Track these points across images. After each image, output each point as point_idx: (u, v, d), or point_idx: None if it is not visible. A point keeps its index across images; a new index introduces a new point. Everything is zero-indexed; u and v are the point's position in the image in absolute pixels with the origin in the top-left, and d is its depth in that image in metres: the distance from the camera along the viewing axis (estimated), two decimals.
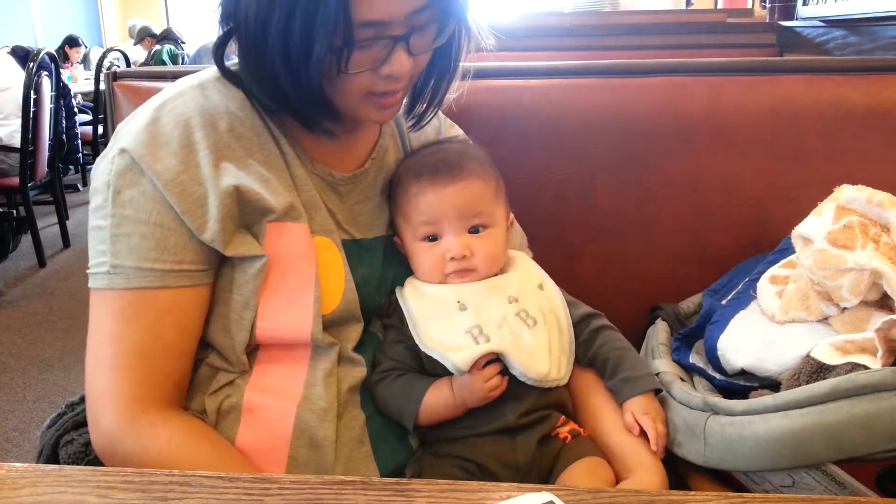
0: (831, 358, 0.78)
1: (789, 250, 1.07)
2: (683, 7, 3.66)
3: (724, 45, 2.80)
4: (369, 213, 0.92)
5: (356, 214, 0.90)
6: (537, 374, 0.84)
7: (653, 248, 1.17)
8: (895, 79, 1.14)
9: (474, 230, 0.89)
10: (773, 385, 0.89)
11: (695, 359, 1.01)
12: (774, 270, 0.99)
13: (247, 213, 0.79)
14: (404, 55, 0.77)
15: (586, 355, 0.92)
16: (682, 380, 0.95)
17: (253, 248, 0.79)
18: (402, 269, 0.93)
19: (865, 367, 0.75)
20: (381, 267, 0.91)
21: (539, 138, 1.14)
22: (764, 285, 0.99)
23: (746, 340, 0.93)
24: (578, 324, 0.92)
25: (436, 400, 0.84)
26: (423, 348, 0.85)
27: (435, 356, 0.84)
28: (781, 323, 0.93)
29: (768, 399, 0.77)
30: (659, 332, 1.06)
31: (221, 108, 0.82)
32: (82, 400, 0.96)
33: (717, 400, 0.82)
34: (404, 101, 0.88)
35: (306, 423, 0.80)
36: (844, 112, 1.12)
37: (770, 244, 1.10)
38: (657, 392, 0.90)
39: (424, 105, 0.92)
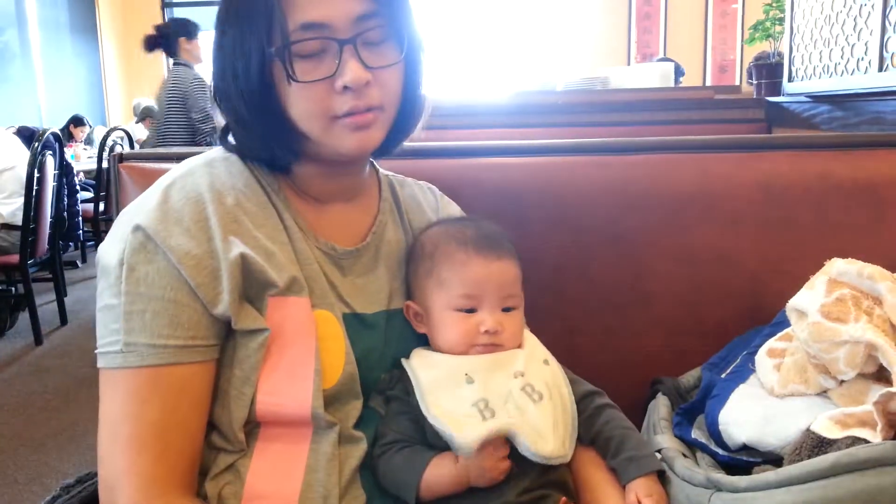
0: (831, 432, 0.78)
1: (785, 323, 1.08)
2: (672, 85, 3.77)
3: (713, 120, 2.89)
4: (371, 287, 0.93)
5: (357, 288, 0.91)
6: (544, 451, 0.83)
7: (651, 321, 1.18)
8: (879, 154, 1.18)
9: (507, 309, 0.91)
10: (775, 460, 0.88)
11: (697, 434, 1.01)
12: (772, 343, 1.00)
13: (250, 286, 0.80)
14: (356, 63, 0.78)
15: (589, 433, 0.92)
16: (685, 455, 0.94)
17: (257, 321, 0.79)
18: (403, 344, 0.94)
19: (866, 441, 0.75)
20: (382, 342, 0.91)
21: (537, 214, 1.17)
22: (762, 358, 0.99)
23: (747, 415, 0.93)
24: (581, 401, 0.93)
25: (438, 474, 0.83)
26: (430, 419, 0.84)
27: (441, 430, 0.83)
28: (781, 396, 0.93)
29: (771, 475, 0.76)
30: (660, 407, 1.06)
31: (228, 185, 0.85)
32: (78, 482, 0.95)
33: (720, 476, 0.81)
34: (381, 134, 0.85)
35: None
36: (832, 186, 1.15)
37: (766, 316, 1.11)
38: (660, 474, 0.89)
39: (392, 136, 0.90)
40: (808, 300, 0.88)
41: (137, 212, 0.81)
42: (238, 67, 0.80)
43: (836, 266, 0.89)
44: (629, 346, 1.18)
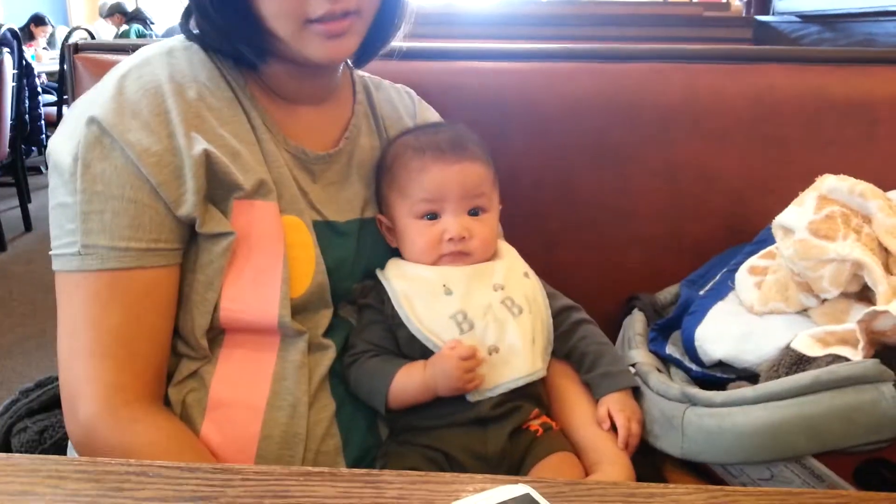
0: (812, 349, 0.77)
1: (768, 241, 1.06)
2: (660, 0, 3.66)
3: (700, 38, 2.81)
4: (344, 194, 0.89)
5: (330, 196, 0.87)
6: (519, 375, 0.82)
7: (630, 237, 1.15)
8: (874, 70, 1.14)
9: (474, 212, 0.88)
10: (750, 377, 0.87)
11: (671, 350, 1.00)
12: (753, 261, 0.98)
13: (215, 188, 0.75)
14: None
15: (564, 347, 0.90)
16: (659, 370, 0.93)
17: (222, 224, 0.75)
18: (377, 254, 0.90)
19: (846, 360, 0.74)
20: (354, 252, 0.87)
21: (518, 123, 1.12)
22: (743, 276, 0.97)
23: (724, 331, 0.92)
24: (558, 315, 0.91)
25: (407, 381, 0.81)
26: (409, 326, 0.82)
27: (420, 337, 0.82)
28: (760, 314, 0.91)
29: (748, 391, 0.75)
30: (636, 323, 1.04)
31: (189, 77, 0.79)
32: (37, 386, 0.92)
33: (696, 391, 0.80)
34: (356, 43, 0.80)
35: (275, 420, 0.77)
36: (825, 102, 1.11)
37: (748, 235, 1.09)
38: (634, 390, 0.88)
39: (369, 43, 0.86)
40: (796, 217, 0.86)
41: (91, 104, 0.75)
42: None
43: (827, 182, 0.86)
44: (607, 262, 1.16)
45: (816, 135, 1.12)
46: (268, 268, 0.76)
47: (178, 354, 0.79)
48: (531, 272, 0.93)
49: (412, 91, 1.03)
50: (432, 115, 1.02)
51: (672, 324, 1.02)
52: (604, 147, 1.12)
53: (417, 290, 0.85)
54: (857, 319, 0.74)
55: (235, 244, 0.75)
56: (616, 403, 0.85)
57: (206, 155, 0.73)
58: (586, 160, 1.13)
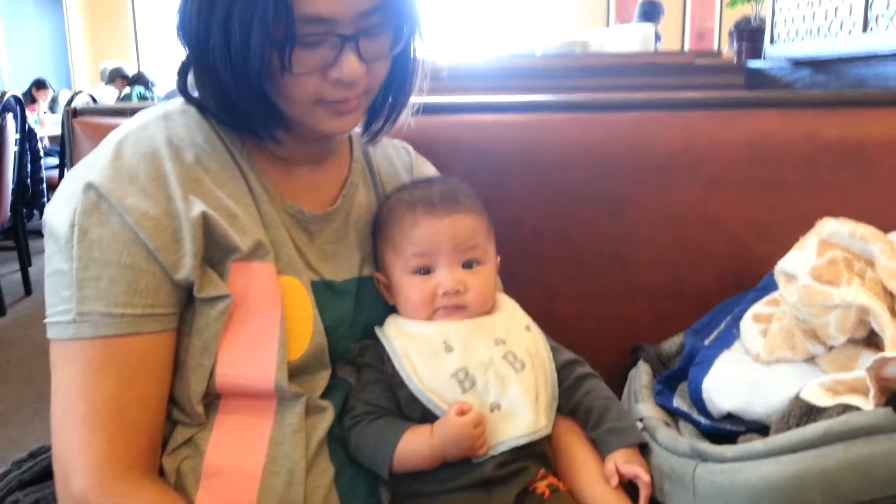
0: (821, 399, 0.75)
1: (771, 287, 1.04)
2: (652, 48, 3.72)
3: (693, 85, 2.84)
4: (341, 253, 0.88)
5: (327, 255, 0.86)
6: (523, 433, 0.80)
7: (632, 286, 1.14)
8: (868, 113, 1.14)
9: (468, 265, 0.86)
10: (761, 429, 0.85)
11: (679, 402, 0.97)
12: (758, 308, 0.96)
13: (213, 250, 0.74)
14: (354, 59, 0.74)
15: (569, 403, 0.88)
16: (667, 424, 0.91)
17: (219, 287, 0.74)
18: (375, 313, 0.89)
19: (857, 409, 0.72)
20: (352, 311, 0.86)
21: (515, 174, 1.12)
22: (747, 324, 0.96)
23: (732, 382, 0.90)
24: (562, 369, 0.89)
25: (412, 447, 0.78)
26: (411, 386, 0.81)
27: (425, 402, 0.80)
28: (767, 363, 0.90)
29: (759, 444, 0.73)
30: (641, 375, 1.02)
31: (187, 140, 0.78)
32: (30, 456, 0.90)
33: (706, 446, 0.78)
34: (361, 116, 0.84)
35: (272, 488, 0.74)
36: (819, 146, 1.11)
37: (751, 281, 1.07)
38: (642, 446, 0.85)
39: (382, 121, 0.89)
40: (798, 262, 0.85)
41: (88, 170, 0.75)
42: (234, 39, 0.71)
43: (828, 226, 0.85)
44: (609, 313, 1.14)
45: (813, 178, 1.11)
46: (265, 330, 0.74)
47: (172, 421, 0.77)
48: (533, 325, 0.91)
49: (409, 146, 1.03)
50: (429, 170, 1.02)
51: (678, 375, 1.00)
52: (603, 196, 1.11)
53: (417, 348, 0.83)
54: (866, 367, 0.72)
55: (232, 307, 0.74)
56: (623, 458, 0.82)
57: (204, 217, 0.73)
58: (586, 209, 1.12)
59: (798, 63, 2.43)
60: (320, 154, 0.89)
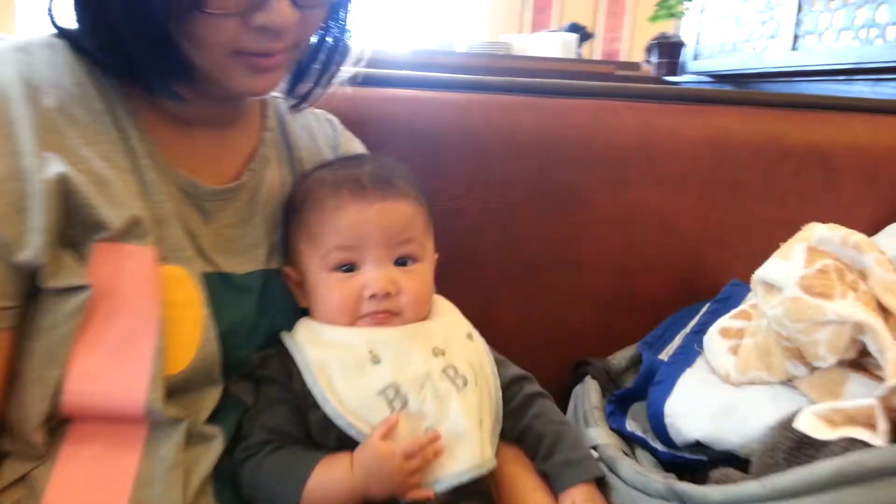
0: (819, 431, 0.64)
1: (734, 298, 0.95)
2: (574, 56, 3.69)
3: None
4: (243, 240, 0.72)
5: (227, 241, 0.70)
6: (465, 467, 0.66)
7: (579, 291, 1.02)
8: (831, 118, 1.07)
9: (401, 262, 0.72)
10: (731, 459, 0.74)
11: (632, 426, 0.86)
12: (725, 322, 0.86)
13: (72, 225, 0.58)
14: (287, 4, 0.59)
15: (515, 427, 0.74)
16: (625, 454, 0.79)
17: (75, 275, 0.57)
18: (283, 316, 0.73)
19: (864, 444, 0.61)
20: (255, 312, 0.70)
21: (455, 159, 0.97)
22: (714, 339, 0.85)
23: (698, 406, 0.79)
24: (507, 387, 0.75)
25: (327, 480, 0.63)
26: (325, 408, 0.65)
27: (343, 427, 0.64)
28: (737, 384, 0.79)
29: (753, 486, 0.61)
30: (590, 394, 0.90)
31: (49, 80, 0.60)
32: None
33: (684, 486, 0.65)
34: (284, 75, 0.69)
35: None
36: (783, 149, 1.03)
37: (704, 291, 0.99)
38: (599, 481, 0.73)
39: (310, 85, 0.75)
40: (783, 271, 0.74)
41: None
42: None
43: (817, 232, 0.75)
44: (553, 320, 1.02)
45: (774, 183, 1.03)
46: (136, 334, 0.58)
47: (1, 453, 0.58)
48: (475, 333, 0.77)
49: (334, 118, 0.88)
50: (357, 147, 0.88)
51: (631, 394, 0.89)
52: (552, 190, 1.00)
53: (337, 359, 0.67)
54: (877, 395, 0.61)
55: (92, 302, 0.57)
56: (581, 497, 0.69)
57: (63, 180, 0.56)
58: (532, 204, 0.99)
59: (719, 77, 2.42)
60: (226, 117, 0.73)
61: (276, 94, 0.80)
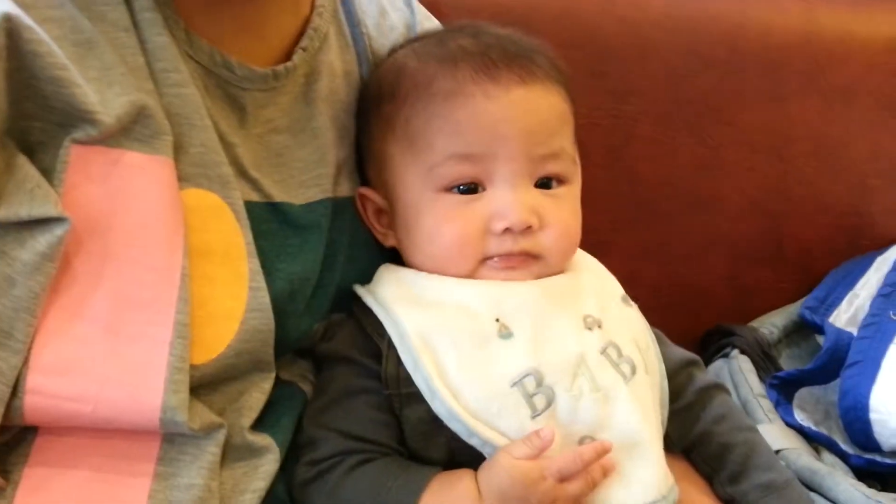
0: None
1: None
2: None
3: None
4: (300, 153, 0.55)
5: (275, 155, 0.53)
6: (646, 500, 0.48)
7: (711, 237, 0.86)
8: None
9: (545, 183, 0.52)
10: None
11: (802, 417, 0.69)
12: None
13: (28, 114, 0.41)
14: None
15: (688, 432, 0.56)
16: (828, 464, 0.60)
17: (34, 199, 0.40)
18: (358, 265, 0.56)
19: None
20: (320, 261, 0.54)
21: (557, 56, 0.76)
22: None
23: None
24: (675, 375, 0.56)
25: None
26: (433, 401, 0.48)
27: (458, 429, 0.48)
28: None
29: None
30: (747, 375, 0.71)
31: None
32: None
33: None
34: None
35: None
36: None
37: (873, 240, 0.85)
38: None
39: None
40: None
41: None
42: None
43: None
44: (676, 275, 0.85)
45: None
46: (143, 303, 0.42)
47: None
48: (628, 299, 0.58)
49: None
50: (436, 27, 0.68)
51: (805, 377, 0.70)
52: (681, 100, 0.83)
53: (448, 330, 0.50)
54: None
55: (70, 247, 0.41)
56: None
57: (23, 42, 0.40)
58: (653, 119, 0.83)
59: None
60: None
61: None
